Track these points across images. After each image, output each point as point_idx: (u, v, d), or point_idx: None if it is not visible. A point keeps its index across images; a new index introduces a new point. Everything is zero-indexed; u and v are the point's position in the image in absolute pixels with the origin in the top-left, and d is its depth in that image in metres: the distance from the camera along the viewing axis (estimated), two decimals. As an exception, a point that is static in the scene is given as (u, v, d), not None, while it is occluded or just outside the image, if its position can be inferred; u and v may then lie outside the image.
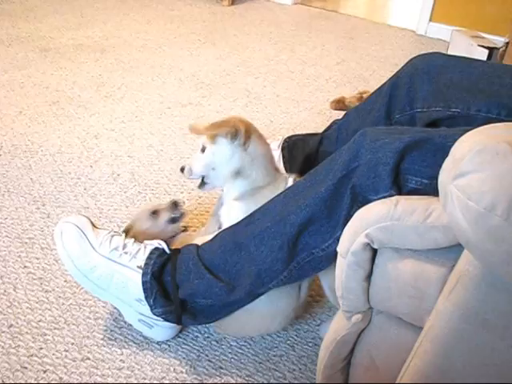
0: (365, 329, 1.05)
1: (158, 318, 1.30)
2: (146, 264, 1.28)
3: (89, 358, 1.30)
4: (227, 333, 1.38)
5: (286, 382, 1.29)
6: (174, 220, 1.50)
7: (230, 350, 1.35)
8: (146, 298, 1.27)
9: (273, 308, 1.33)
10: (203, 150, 1.44)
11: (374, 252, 0.95)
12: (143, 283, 1.27)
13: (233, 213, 1.37)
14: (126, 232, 1.42)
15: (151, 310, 1.28)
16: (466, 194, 0.66)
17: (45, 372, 1.27)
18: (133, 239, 1.33)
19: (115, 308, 1.38)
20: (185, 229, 1.56)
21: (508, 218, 0.63)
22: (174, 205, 1.51)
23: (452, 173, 0.68)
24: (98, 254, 1.28)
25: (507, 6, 3.30)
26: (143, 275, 1.27)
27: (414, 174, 1.01)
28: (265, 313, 1.33)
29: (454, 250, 0.84)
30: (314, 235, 1.13)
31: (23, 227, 1.69)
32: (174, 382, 1.27)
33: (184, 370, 1.29)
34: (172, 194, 1.89)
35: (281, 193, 1.25)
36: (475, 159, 0.66)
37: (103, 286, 1.29)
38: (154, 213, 1.48)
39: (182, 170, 1.49)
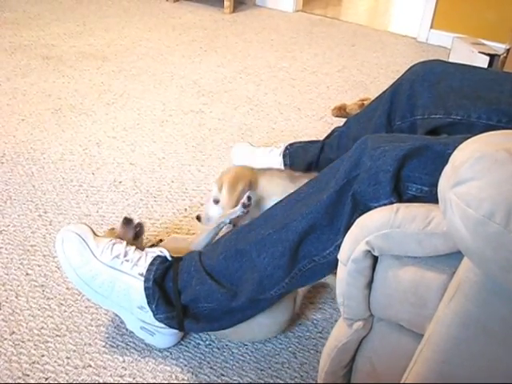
0: (366, 336, 1.05)
1: (160, 325, 1.30)
2: (148, 270, 1.29)
3: (90, 366, 1.31)
4: (225, 338, 1.39)
5: (288, 389, 1.29)
6: (137, 234, 1.45)
7: (231, 357, 1.35)
8: (149, 303, 1.28)
9: (270, 319, 1.35)
10: (217, 202, 1.56)
11: (375, 259, 0.96)
12: (145, 289, 1.27)
13: None
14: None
15: (153, 315, 1.29)
16: (465, 202, 0.66)
17: (46, 379, 1.27)
18: (134, 247, 1.34)
19: (117, 315, 1.38)
20: (160, 240, 1.55)
21: (507, 225, 0.63)
22: (127, 222, 1.44)
23: (451, 180, 0.69)
24: (100, 262, 1.28)
25: (508, 13, 3.30)
26: (145, 281, 1.28)
27: (415, 181, 1.01)
28: (262, 322, 1.34)
29: (454, 257, 0.84)
30: (316, 243, 1.13)
31: (25, 234, 1.70)
32: (175, 389, 1.27)
33: (186, 378, 1.30)
34: (174, 201, 1.89)
35: (282, 199, 1.26)
36: (474, 167, 0.66)
37: (105, 294, 1.29)
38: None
39: (198, 218, 1.59)
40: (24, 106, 2.46)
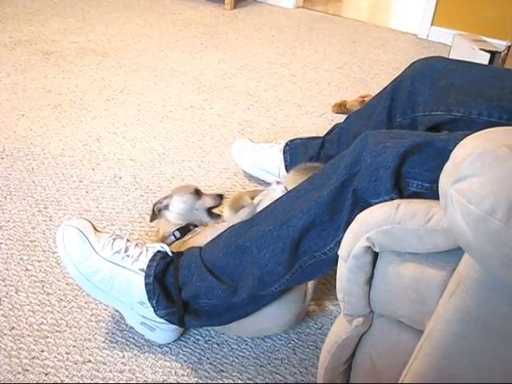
0: (366, 332, 1.05)
1: (160, 321, 1.30)
2: (148, 266, 1.29)
3: (90, 361, 1.31)
4: (229, 332, 1.39)
5: (287, 385, 1.29)
6: (210, 214, 1.56)
7: (231, 353, 1.35)
8: (149, 299, 1.28)
9: (277, 310, 1.34)
10: None
11: (375, 255, 0.95)
12: (146, 285, 1.27)
13: None
14: (163, 199, 1.53)
15: (154, 311, 1.29)
16: (466, 198, 0.66)
17: (46, 375, 1.27)
18: (134, 242, 1.34)
19: (117, 311, 1.38)
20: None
21: (508, 222, 0.63)
22: (219, 197, 1.57)
23: (452, 176, 0.69)
24: (100, 257, 1.28)
25: (509, 10, 3.30)
26: (146, 277, 1.28)
27: (415, 177, 1.01)
28: (269, 314, 1.33)
29: (454, 254, 0.84)
30: (316, 239, 1.13)
31: (25, 230, 1.70)
32: (175, 384, 1.27)
33: (185, 373, 1.30)
34: (174, 197, 1.89)
35: (283, 196, 1.26)
36: (475, 163, 0.66)
37: (105, 289, 1.29)
38: (198, 193, 1.53)
39: None
40: (24, 102, 2.45)
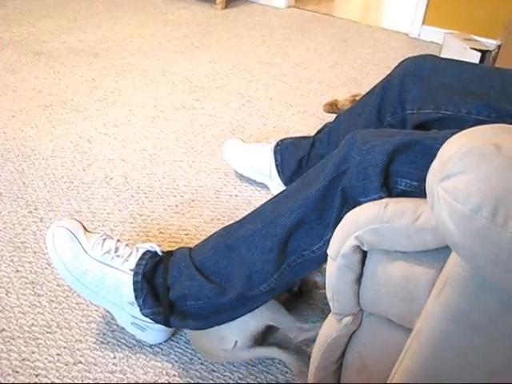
0: (356, 331, 1.05)
1: (151, 321, 1.30)
2: (137, 265, 1.28)
3: (81, 362, 1.30)
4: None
5: (279, 384, 1.29)
6: None
7: (222, 353, 1.35)
8: (136, 297, 1.27)
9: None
10: None
11: (364, 254, 0.95)
12: (134, 283, 1.27)
13: None
14: None
15: (140, 310, 1.28)
16: (453, 196, 0.66)
17: (37, 376, 1.26)
18: (124, 243, 1.33)
19: (108, 311, 1.38)
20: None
21: (494, 220, 0.63)
22: None
23: (439, 175, 0.69)
24: (90, 258, 1.28)
25: (500, 9, 3.31)
26: (134, 275, 1.27)
27: (404, 176, 1.01)
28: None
29: (442, 252, 0.84)
30: (305, 237, 1.13)
31: (16, 231, 1.69)
32: (166, 385, 1.27)
33: (177, 373, 1.30)
34: (165, 197, 1.89)
35: (273, 196, 1.26)
36: (461, 161, 0.66)
37: (95, 290, 1.29)
38: None
39: None
40: (14, 103, 2.44)
